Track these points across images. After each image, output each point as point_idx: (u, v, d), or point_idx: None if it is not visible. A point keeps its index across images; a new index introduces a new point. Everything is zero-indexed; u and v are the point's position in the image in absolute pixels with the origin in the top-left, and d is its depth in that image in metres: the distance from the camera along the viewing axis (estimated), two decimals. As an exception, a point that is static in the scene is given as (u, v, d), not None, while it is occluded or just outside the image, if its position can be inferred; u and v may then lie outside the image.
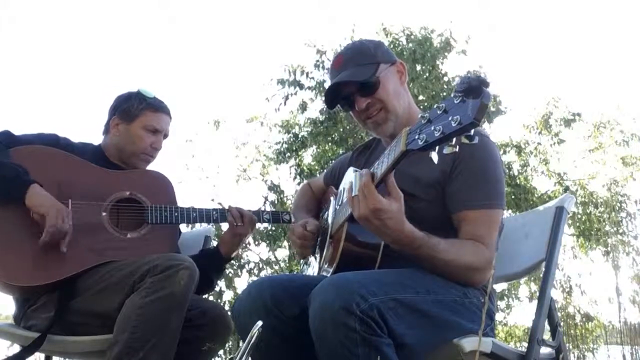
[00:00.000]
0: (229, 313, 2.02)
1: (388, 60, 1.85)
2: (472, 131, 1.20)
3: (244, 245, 2.32)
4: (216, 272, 2.35)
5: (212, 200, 7.37)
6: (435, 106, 1.25)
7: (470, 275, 1.63)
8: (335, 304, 1.42)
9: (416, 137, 1.28)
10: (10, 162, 2.00)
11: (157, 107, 2.31)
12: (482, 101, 1.15)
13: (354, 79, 1.80)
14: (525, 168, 8.03)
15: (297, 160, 7.64)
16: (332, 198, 1.94)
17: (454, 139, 1.22)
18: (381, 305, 1.44)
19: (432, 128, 1.23)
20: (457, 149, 1.23)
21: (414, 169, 1.70)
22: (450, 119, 1.19)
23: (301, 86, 7.33)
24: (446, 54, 7.55)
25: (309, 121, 7.66)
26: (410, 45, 7.31)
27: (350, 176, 1.72)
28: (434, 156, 1.28)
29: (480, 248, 1.62)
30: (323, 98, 1.94)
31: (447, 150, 1.24)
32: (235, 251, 2.31)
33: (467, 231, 1.65)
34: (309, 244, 1.94)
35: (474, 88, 1.15)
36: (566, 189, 7.94)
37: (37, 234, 1.99)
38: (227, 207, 2.26)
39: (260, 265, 7.25)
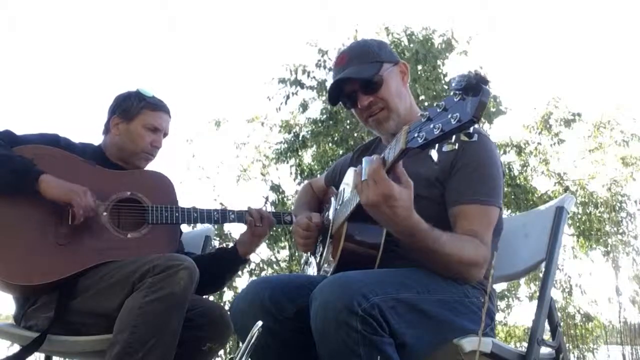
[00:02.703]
0: (229, 313, 2.02)
1: (391, 60, 1.87)
2: (472, 129, 1.20)
3: (260, 245, 2.35)
4: (230, 272, 2.35)
5: (215, 200, 7.36)
6: (435, 104, 1.25)
7: (469, 271, 1.61)
8: (337, 303, 1.42)
9: (416, 135, 1.28)
10: (16, 155, 2.01)
11: (157, 105, 2.32)
12: (481, 99, 1.15)
13: (358, 76, 1.80)
14: (525, 168, 8.02)
15: (298, 160, 7.64)
16: (332, 198, 1.95)
17: (454, 137, 1.22)
18: (382, 304, 1.44)
19: (432, 126, 1.23)
20: (456, 147, 1.23)
21: (417, 168, 1.71)
22: (449, 116, 1.20)
23: (302, 85, 7.33)
24: (447, 54, 7.55)
25: (309, 121, 7.66)
26: (412, 45, 7.30)
27: (361, 165, 1.72)
28: (434, 154, 1.28)
29: (478, 244, 1.61)
30: (324, 97, 1.95)
31: (446, 147, 1.25)
32: (253, 252, 2.33)
33: (462, 226, 1.64)
34: (313, 236, 1.94)
35: (473, 86, 1.15)
36: (566, 189, 7.93)
37: (39, 232, 2.00)
38: (246, 209, 2.27)
39: (262, 266, 7.25)
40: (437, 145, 1.26)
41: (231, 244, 2.41)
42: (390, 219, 1.44)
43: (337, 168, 2.15)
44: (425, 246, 1.54)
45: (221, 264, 2.26)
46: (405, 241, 1.53)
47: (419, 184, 1.70)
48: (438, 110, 1.23)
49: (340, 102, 1.92)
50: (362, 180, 1.43)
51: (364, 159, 1.47)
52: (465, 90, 1.16)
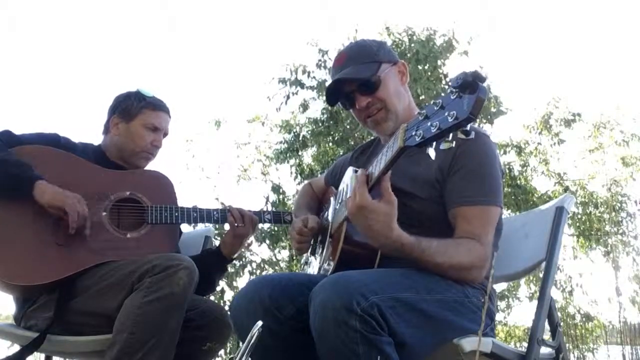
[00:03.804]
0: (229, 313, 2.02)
1: (390, 60, 1.86)
2: (469, 126, 1.20)
3: (245, 245, 2.31)
4: (218, 272, 2.34)
5: (217, 199, 7.36)
6: (432, 102, 1.25)
7: (463, 275, 1.63)
8: (336, 303, 1.42)
9: (413, 133, 1.28)
10: (14, 158, 2.01)
11: (157, 105, 2.32)
12: (478, 96, 1.15)
13: (356, 76, 1.80)
14: (525, 168, 8.02)
15: (298, 160, 7.64)
16: (332, 198, 1.95)
17: (451, 135, 1.22)
18: (382, 303, 1.44)
19: (429, 124, 1.24)
20: (453, 144, 1.24)
21: (414, 168, 1.71)
22: (446, 114, 1.20)
23: (302, 85, 7.33)
24: (448, 54, 7.55)
25: (309, 121, 7.65)
26: (413, 45, 7.30)
27: (349, 176, 1.73)
28: (431, 152, 1.28)
29: (475, 245, 1.62)
30: (324, 96, 1.95)
31: (444, 145, 1.25)
32: (237, 252, 2.31)
33: (462, 228, 1.65)
34: (307, 240, 1.94)
35: (470, 83, 1.16)
36: (566, 189, 7.92)
37: (38, 232, 2.00)
38: (227, 208, 2.26)
39: (262, 265, 7.25)
40: (434, 144, 1.26)
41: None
42: (369, 233, 1.49)
43: (337, 168, 2.15)
44: (413, 258, 1.56)
45: (207, 266, 2.24)
46: (392, 254, 1.56)
47: (418, 185, 1.70)
48: (435, 108, 1.23)
49: (339, 103, 1.92)
50: (349, 197, 1.51)
51: (352, 175, 1.52)
52: (461, 88, 1.17)
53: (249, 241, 2.32)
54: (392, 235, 1.49)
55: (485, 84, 1.17)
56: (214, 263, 2.27)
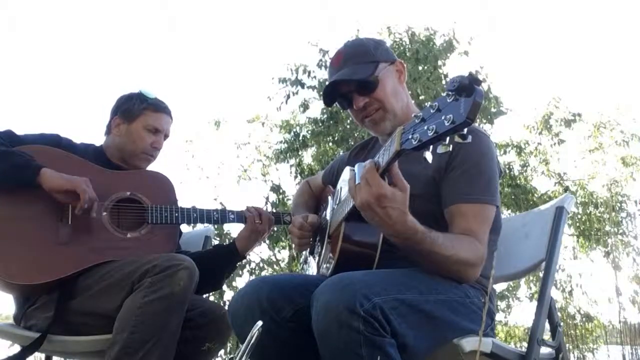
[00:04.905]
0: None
1: (387, 59, 1.85)
2: (465, 130, 1.19)
3: (260, 243, 2.36)
4: (228, 268, 2.35)
5: (215, 199, 7.37)
6: (428, 105, 1.24)
7: (466, 271, 1.61)
8: (339, 304, 1.41)
9: (410, 136, 1.27)
10: (17, 151, 2.02)
11: (158, 107, 2.32)
12: (475, 100, 1.13)
13: (353, 77, 1.79)
14: (525, 168, 8.03)
15: (298, 160, 7.64)
16: (329, 197, 1.94)
17: (447, 138, 1.21)
18: (384, 305, 1.43)
19: (426, 127, 1.22)
20: (450, 148, 1.22)
21: (411, 167, 1.70)
22: (443, 118, 1.18)
23: (302, 85, 7.34)
24: (448, 54, 7.55)
25: (309, 120, 7.66)
26: (414, 45, 7.31)
27: (348, 174, 1.72)
28: (428, 155, 1.27)
29: (474, 242, 1.61)
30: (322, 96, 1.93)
31: (441, 149, 1.23)
32: (251, 248, 2.33)
33: (459, 225, 1.64)
34: (307, 236, 1.94)
35: (466, 86, 1.14)
36: (566, 189, 7.94)
37: (38, 231, 2.00)
38: (245, 208, 2.29)
39: (262, 265, 7.25)
40: (431, 147, 1.25)
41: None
42: (384, 221, 1.43)
43: (335, 166, 2.14)
44: (422, 249, 1.53)
45: (218, 261, 2.26)
46: (400, 244, 1.52)
47: (414, 183, 1.68)
48: (432, 111, 1.22)
49: (337, 103, 1.92)
50: (356, 183, 1.43)
51: (356, 165, 1.47)
52: (458, 91, 1.15)
53: (263, 239, 2.36)
54: (407, 222, 1.45)
55: (482, 87, 1.16)
56: (225, 258, 2.29)
